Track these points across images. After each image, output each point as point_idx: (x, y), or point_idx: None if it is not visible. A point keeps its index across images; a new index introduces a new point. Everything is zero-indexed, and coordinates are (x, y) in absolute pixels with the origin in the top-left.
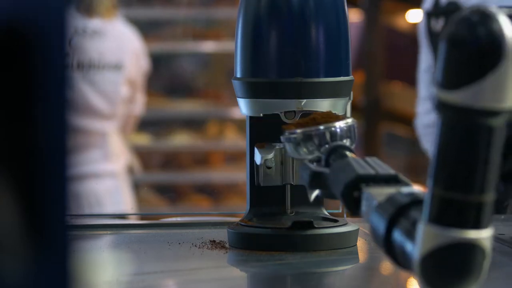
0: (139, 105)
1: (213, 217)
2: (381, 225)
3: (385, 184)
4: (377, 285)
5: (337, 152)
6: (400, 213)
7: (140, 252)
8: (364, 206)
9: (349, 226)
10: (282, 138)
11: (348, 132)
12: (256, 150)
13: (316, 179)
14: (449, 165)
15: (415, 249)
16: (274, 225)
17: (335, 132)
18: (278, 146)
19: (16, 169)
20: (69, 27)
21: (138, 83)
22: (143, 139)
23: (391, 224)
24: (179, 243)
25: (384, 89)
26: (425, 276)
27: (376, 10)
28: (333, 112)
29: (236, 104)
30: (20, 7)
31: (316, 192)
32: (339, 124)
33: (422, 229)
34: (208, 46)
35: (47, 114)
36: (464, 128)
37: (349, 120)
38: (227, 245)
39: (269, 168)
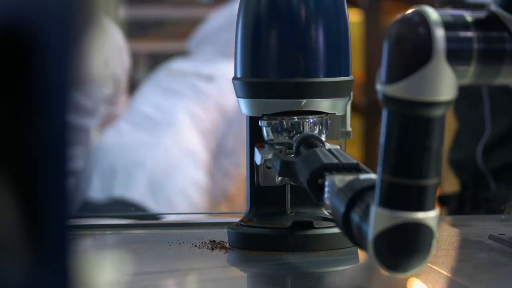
0: (121, 106)
1: (213, 217)
2: (340, 208)
3: (347, 173)
4: (377, 285)
5: (307, 141)
6: (357, 197)
7: (140, 252)
8: (326, 193)
9: None
10: (260, 122)
11: (319, 123)
12: (256, 150)
13: (286, 168)
14: (394, 153)
15: (368, 230)
16: (274, 225)
17: (308, 122)
18: (278, 146)
19: (16, 169)
20: (70, 27)
21: (122, 83)
22: None
23: (349, 207)
24: (179, 243)
25: None
26: (378, 254)
27: (376, 10)
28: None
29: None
30: (20, 7)
31: (280, 178)
32: (313, 116)
33: (374, 212)
34: None
35: (48, 114)
36: (405, 119)
37: (323, 115)
38: (227, 245)
39: (269, 168)
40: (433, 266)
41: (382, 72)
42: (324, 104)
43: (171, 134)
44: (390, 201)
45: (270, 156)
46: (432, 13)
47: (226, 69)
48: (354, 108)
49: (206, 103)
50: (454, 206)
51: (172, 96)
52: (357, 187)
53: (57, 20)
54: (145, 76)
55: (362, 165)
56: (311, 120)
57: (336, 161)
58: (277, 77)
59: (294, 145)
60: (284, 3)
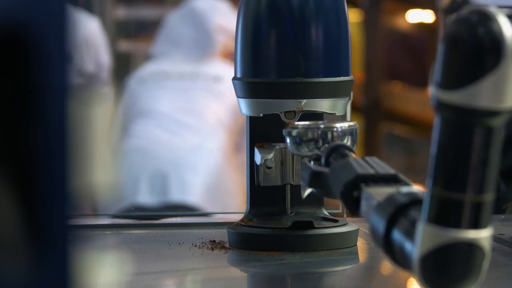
0: None
1: (213, 217)
2: (380, 225)
3: (385, 184)
4: (377, 285)
5: (337, 151)
6: (399, 212)
7: (140, 252)
8: (363, 206)
9: (349, 226)
10: (284, 131)
11: (349, 133)
12: (256, 150)
13: (317, 179)
14: (448, 165)
15: (414, 248)
16: (274, 225)
17: (336, 130)
18: (278, 146)
19: (16, 169)
20: (69, 27)
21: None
22: None
23: (390, 224)
24: (179, 243)
25: (384, 89)
26: (424, 275)
27: (376, 10)
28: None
29: None
30: (20, 7)
31: (309, 190)
32: (341, 125)
33: (421, 229)
34: None
35: (48, 114)
36: (463, 128)
37: (352, 123)
38: (227, 245)
39: (269, 168)
40: None
41: (438, 77)
42: (324, 104)
43: (210, 136)
44: (441, 218)
45: (270, 156)
46: (497, 12)
47: (226, 69)
48: (354, 108)
49: (225, 103)
50: None
51: (193, 98)
52: (398, 201)
53: (56, 20)
54: None
55: (401, 176)
56: (340, 129)
57: (372, 171)
58: (277, 77)
59: (323, 155)
60: (284, 3)
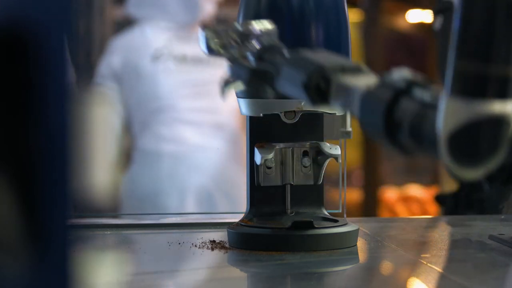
0: None
1: (213, 217)
2: (378, 112)
3: (352, 74)
4: (377, 285)
5: (272, 50)
6: (399, 96)
7: (140, 252)
8: (335, 97)
9: (349, 226)
10: (201, 33)
11: (267, 34)
12: (256, 150)
13: (257, 77)
14: (472, 36)
15: (434, 129)
16: (274, 225)
17: (256, 31)
18: (278, 146)
19: (16, 169)
20: (69, 27)
21: None
22: None
23: (392, 109)
24: (179, 243)
25: None
26: (453, 153)
27: (376, 10)
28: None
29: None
30: (21, 7)
31: (234, 87)
32: (259, 26)
33: (446, 105)
34: None
35: (48, 114)
36: (485, 1)
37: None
38: (227, 245)
39: (269, 168)
40: (433, 266)
41: None
42: None
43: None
44: (467, 91)
45: (270, 156)
46: None
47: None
48: None
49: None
50: (450, 206)
51: (211, 92)
52: (396, 85)
53: (56, 20)
54: None
55: (364, 67)
56: (258, 30)
57: (334, 62)
58: None
59: (254, 54)
60: (284, 3)
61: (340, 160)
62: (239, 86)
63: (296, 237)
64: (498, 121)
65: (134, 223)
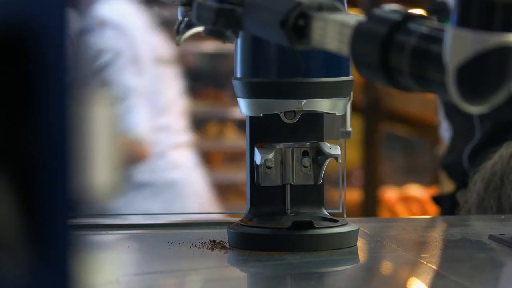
0: None
1: (213, 217)
2: (374, 48)
3: (332, 12)
4: (377, 285)
5: None
6: (394, 31)
7: (140, 252)
8: (317, 34)
9: (349, 226)
10: None
11: None
12: (256, 150)
13: (225, 16)
14: None
15: (443, 60)
16: (274, 225)
17: None
18: (278, 146)
19: (16, 169)
20: (69, 27)
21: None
22: None
23: (389, 44)
24: (179, 243)
25: (384, 89)
26: (461, 87)
27: None
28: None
29: (236, 104)
30: (20, 7)
31: (193, 32)
32: None
33: (452, 35)
34: (209, 46)
35: (48, 114)
36: None
37: None
38: (227, 245)
39: (269, 168)
40: (433, 266)
41: None
42: (324, 104)
43: None
44: (476, 21)
45: (270, 156)
46: None
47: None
48: (354, 108)
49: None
50: (447, 206)
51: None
52: (390, 19)
53: (56, 20)
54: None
55: (340, 5)
56: None
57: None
58: (277, 77)
59: None
60: None
61: (340, 160)
62: (199, 29)
63: (296, 237)
64: (506, 52)
65: (134, 223)
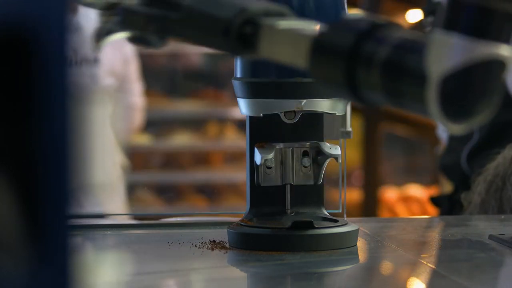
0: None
1: (213, 217)
2: (337, 61)
3: (282, 18)
4: (377, 285)
5: None
6: (361, 41)
7: (140, 252)
8: (266, 44)
9: (349, 226)
10: None
11: None
12: (256, 150)
13: (155, 23)
14: None
15: (422, 68)
16: (274, 225)
17: None
18: (278, 146)
19: (16, 169)
20: (69, 27)
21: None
22: (143, 139)
23: (355, 56)
24: (179, 243)
25: None
26: (443, 97)
27: (376, 10)
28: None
29: (236, 104)
30: (20, 7)
31: (114, 37)
32: None
33: (436, 40)
34: None
35: (48, 114)
36: None
37: None
38: (227, 245)
39: (269, 168)
40: (433, 266)
41: None
42: (324, 104)
43: None
44: (462, 27)
45: (270, 156)
46: None
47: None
48: (354, 108)
49: None
50: (446, 207)
51: None
52: (357, 28)
53: (56, 20)
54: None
55: (288, 10)
56: None
57: (256, 4)
58: (277, 77)
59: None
60: (284, 4)
61: (340, 160)
62: (122, 35)
63: (296, 237)
64: (493, 65)
65: (134, 223)
